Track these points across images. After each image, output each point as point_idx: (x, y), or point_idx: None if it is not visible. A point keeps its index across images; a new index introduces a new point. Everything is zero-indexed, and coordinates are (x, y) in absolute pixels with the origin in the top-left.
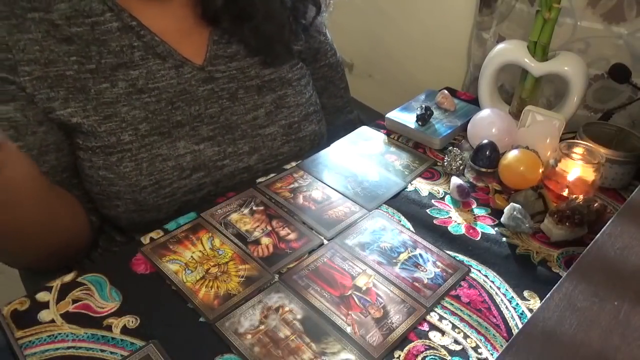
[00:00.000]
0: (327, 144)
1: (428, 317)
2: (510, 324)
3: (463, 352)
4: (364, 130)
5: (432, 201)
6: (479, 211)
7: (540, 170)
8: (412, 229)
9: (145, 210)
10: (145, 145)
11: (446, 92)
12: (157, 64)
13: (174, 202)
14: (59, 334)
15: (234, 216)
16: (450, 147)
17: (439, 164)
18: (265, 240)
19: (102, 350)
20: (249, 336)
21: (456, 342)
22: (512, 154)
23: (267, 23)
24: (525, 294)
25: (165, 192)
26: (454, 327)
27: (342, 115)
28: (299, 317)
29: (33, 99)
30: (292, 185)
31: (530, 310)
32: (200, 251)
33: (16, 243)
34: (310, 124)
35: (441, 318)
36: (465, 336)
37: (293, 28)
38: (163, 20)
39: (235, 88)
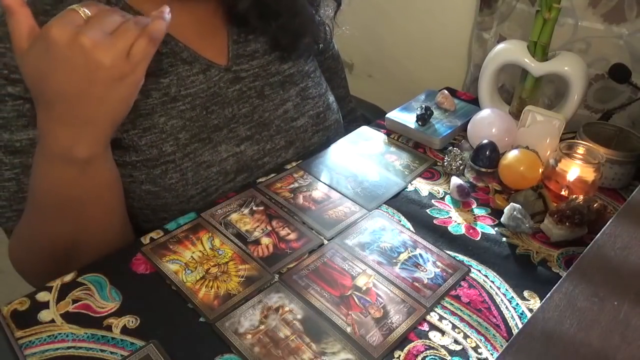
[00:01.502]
0: (326, 145)
1: (428, 317)
2: (510, 324)
3: (463, 352)
4: (364, 130)
5: (432, 201)
6: (479, 211)
7: (540, 170)
8: (412, 229)
9: None
10: (187, 154)
11: (446, 92)
12: (186, 70)
13: None
14: (59, 334)
15: (234, 216)
16: (450, 147)
17: (439, 164)
18: (265, 240)
19: (102, 350)
20: (249, 336)
21: (456, 342)
22: (512, 154)
23: (294, 19)
24: (525, 294)
25: (212, 198)
26: (454, 327)
27: (345, 104)
28: (299, 317)
29: None
30: (292, 185)
31: (530, 310)
32: (200, 251)
33: (79, 255)
34: (332, 113)
35: (441, 318)
36: (465, 336)
37: (317, 21)
38: (182, 25)
39: (261, 85)
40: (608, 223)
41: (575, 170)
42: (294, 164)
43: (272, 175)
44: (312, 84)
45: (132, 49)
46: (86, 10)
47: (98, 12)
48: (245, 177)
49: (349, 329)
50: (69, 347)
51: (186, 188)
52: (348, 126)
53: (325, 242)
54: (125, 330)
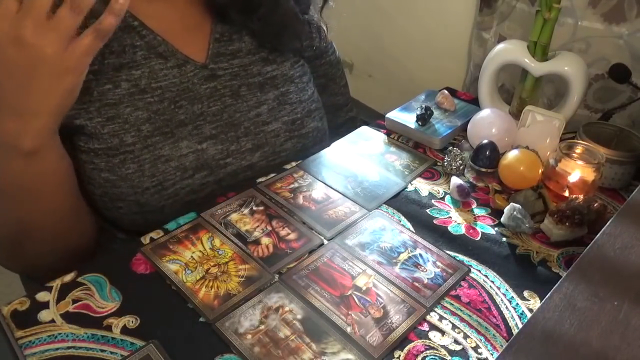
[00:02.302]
0: (328, 143)
1: (428, 317)
2: (510, 324)
3: (463, 352)
4: (364, 130)
5: (432, 201)
6: (479, 211)
7: (540, 170)
8: (412, 229)
9: (147, 212)
10: (147, 146)
11: (446, 92)
12: (160, 64)
13: (177, 202)
14: (59, 334)
15: (234, 216)
16: (450, 147)
17: (439, 164)
18: (265, 240)
19: (102, 350)
20: (249, 336)
21: (456, 342)
22: (512, 154)
23: (274, 12)
24: (525, 294)
25: (168, 193)
26: (454, 327)
27: (342, 113)
28: (299, 317)
29: None
30: (292, 185)
31: (530, 310)
32: (200, 251)
33: (34, 241)
34: (312, 121)
35: (441, 318)
36: (465, 336)
37: (300, 17)
38: (164, 19)
39: (237, 85)
40: (608, 223)
41: (575, 170)
42: (293, 163)
43: (272, 175)
44: (295, 89)
45: (78, 42)
46: None
47: None
48: (205, 176)
49: (349, 329)
50: (69, 347)
51: (142, 179)
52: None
53: (325, 242)
54: (125, 330)
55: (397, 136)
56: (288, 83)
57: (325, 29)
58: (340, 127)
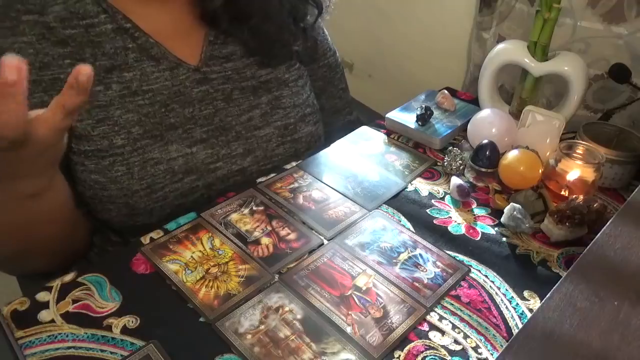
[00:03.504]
0: (326, 145)
1: (428, 317)
2: (510, 324)
3: (463, 352)
4: (364, 130)
5: (432, 201)
6: (479, 211)
7: (540, 170)
8: (412, 229)
9: (137, 214)
10: (137, 149)
11: (446, 92)
12: (151, 66)
13: (166, 205)
14: (59, 334)
15: (234, 216)
16: (450, 147)
17: (439, 164)
18: (265, 240)
19: (102, 350)
20: (249, 336)
21: (456, 342)
22: (512, 154)
23: (265, 23)
24: (525, 294)
25: (156, 196)
26: (454, 327)
27: (341, 116)
28: (299, 317)
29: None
30: (292, 185)
31: (530, 310)
32: (200, 251)
33: (32, 259)
34: (306, 125)
35: (441, 318)
36: (465, 336)
37: (292, 29)
38: (158, 22)
39: (230, 89)
40: (608, 223)
41: (575, 170)
42: (293, 163)
43: (272, 175)
44: (289, 93)
45: (48, 123)
46: None
47: None
48: (194, 180)
49: (349, 329)
50: (69, 347)
51: (131, 182)
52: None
53: (325, 242)
54: (125, 330)
55: (397, 136)
56: (282, 87)
57: (324, 32)
58: (338, 131)
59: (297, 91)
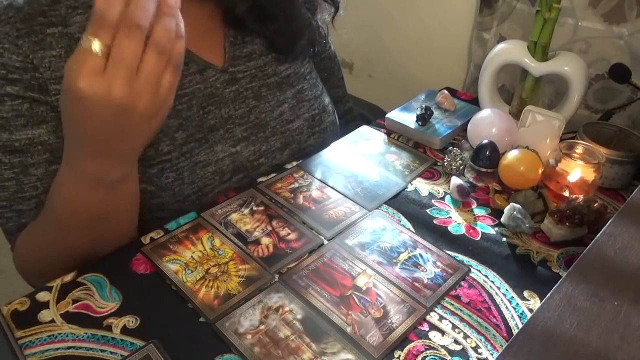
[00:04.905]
0: (326, 145)
1: (428, 317)
2: (510, 324)
3: (463, 352)
4: (364, 130)
5: (432, 201)
6: (479, 211)
7: (540, 170)
8: (412, 229)
9: None
10: (184, 153)
11: (446, 92)
12: (183, 70)
13: None
14: (59, 334)
15: (234, 216)
16: (450, 147)
17: (439, 164)
18: (265, 240)
19: (102, 350)
20: (249, 336)
21: (456, 342)
22: (512, 154)
23: (290, 23)
24: (525, 294)
25: (208, 198)
26: (454, 327)
27: (342, 105)
28: (299, 317)
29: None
30: (292, 185)
31: (530, 310)
32: (200, 251)
33: (95, 246)
34: (328, 115)
35: (441, 318)
36: (465, 336)
37: (313, 25)
38: None
39: (257, 87)
40: (608, 223)
41: (575, 170)
42: (294, 163)
43: (273, 175)
44: (308, 85)
45: (163, 86)
46: (98, 46)
47: (115, 44)
48: (241, 178)
49: (349, 329)
50: (69, 347)
51: (182, 187)
52: (345, 126)
53: (325, 242)
54: (125, 330)
55: (397, 136)
56: (302, 80)
57: (326, 28)
58: (340, 118)
59: (314, 83)
